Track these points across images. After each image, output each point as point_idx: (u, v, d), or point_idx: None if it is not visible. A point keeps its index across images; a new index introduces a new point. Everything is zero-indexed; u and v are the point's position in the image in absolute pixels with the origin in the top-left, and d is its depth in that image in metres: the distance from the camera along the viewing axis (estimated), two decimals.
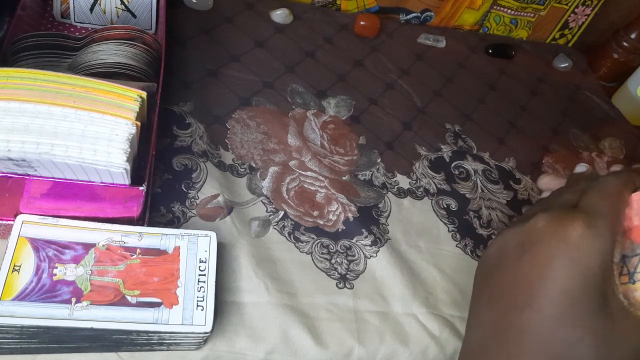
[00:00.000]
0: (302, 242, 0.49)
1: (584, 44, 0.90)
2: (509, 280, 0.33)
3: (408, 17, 0.79)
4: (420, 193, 0.58)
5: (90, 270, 0.36)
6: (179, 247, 0.39)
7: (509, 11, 0.82)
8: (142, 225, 0.42)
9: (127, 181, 0.37)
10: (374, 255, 0.50)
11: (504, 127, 0.70)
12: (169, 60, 0.50)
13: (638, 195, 0.34)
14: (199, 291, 0.37)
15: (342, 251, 0.49)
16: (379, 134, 0.62)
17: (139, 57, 0.46)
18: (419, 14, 0.79)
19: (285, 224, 0.49)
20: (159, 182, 0.47)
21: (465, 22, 0.82)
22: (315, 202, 0.52)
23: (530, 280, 0.31)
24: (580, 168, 0.45)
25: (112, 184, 0.37)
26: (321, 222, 0.51)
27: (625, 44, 0.84)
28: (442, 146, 0.64)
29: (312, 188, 0.53)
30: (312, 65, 0.66)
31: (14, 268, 0.34)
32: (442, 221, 0.56)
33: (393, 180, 0.58)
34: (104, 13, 0.54)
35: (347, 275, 0.48)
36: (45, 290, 0.34)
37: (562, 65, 0.84)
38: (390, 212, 0.54)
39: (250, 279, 0.44)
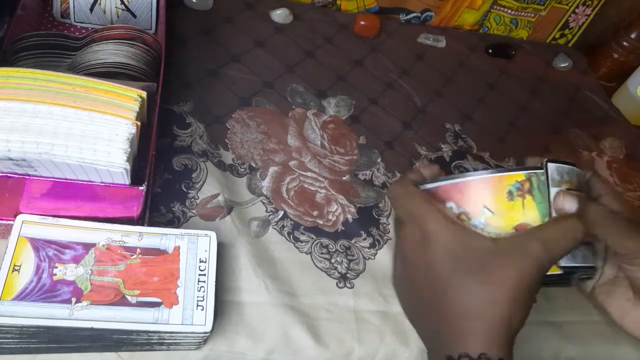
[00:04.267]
0: (301, 241, 0.49)
1: (584, 44, 0.90)
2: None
3: (408, 17, 0.79)
4: None
5: (90, 270, 0.36)
6: (179, 247, 0.39)
7: (509, 11, 0.82)
8: (142, 225, 0.42)
9: (127, 181, 0.37)
10: (372, 257, 0.50)
11: (504, 127, 0.70)
12: (169, 60, 0.50)
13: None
14: (199, 291, 0.37)
15: (341, 251, 0.50)
16: (379, 133, 0.62)
17: (139, 57, 0.46)
18: (419, 14, 0.79)
19: (285, 224, 0.49)
20: (159, 182, 0.47)
21: (466, 22, 0.82)
22: (315, 202, 0.52)
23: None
24: None
25: (112, 183, 0.37)
26: (321, 222, 0.51)
27: (625, 43, 0.84)
28: (442, 146, 0.64)
29: (312, 188, 0.53)
30: (312, 65, 0.66)
31: (14, 268, 0.34)
32: None
33: (393, 179, 0.58)
34: (104, 13, 0.54)
35: (347, 275, 0.48)
36: (45, 290, 0.34)
37: (562, 65, 0.84)
38: (390, 211, 0.54)
39: (250, 279, 0.44)
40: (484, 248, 0.36)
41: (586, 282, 0.45)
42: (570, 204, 0.39)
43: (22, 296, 0.33)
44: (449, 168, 0.61)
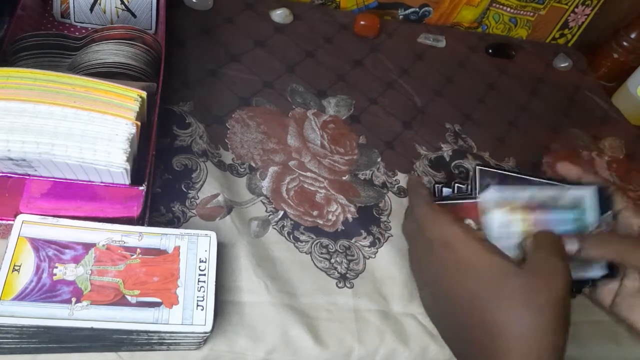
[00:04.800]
0: (301, 241, 0.49)
1: (584, 43, 0.90)
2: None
3: (407, 12, 0.79)
4: None
5: (90, 270, 0.36)
6: (179, 247, 0.39)
7: (508, 9, 0.82)
8: (142, 225, 0.42)
9: (127, 181, 0.37)
10: (373, 256, 0.50)
11: (504, 127, 0.70)
12: (169, 60, 0.50)
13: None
14: (199, 291, 0.37)
15: (341, 251, 0.50)
16: (379, 133, 0.62)
17: (139, 57, 0.46)
18: (417, 9, 0.79)
19: (285, 224, 0.50)
20: (159, 182, 0.47)
21: (464, 19, 0.82)
22: (315, 202, 0.52)
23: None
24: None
25: (112, 183, 0.37)
26: (320, 222, 0.51)
27: (625, 43, 0.84)
28: (442, 145, 0.64)
29: (312, 188, 0.53)
30: (312, 65, 0.66)
31: (14, 268, 0.34)
32: None
33: (393, 179, 0.58)
34: (104, 13, 0.54)
35: (347, 275, 0.48)
36: (45, 290, 0.34)
37: (562, 65, 0.84)
38: (391, 210, 0.54)
39: (250, 279, 0.44)
40: (515, 274, 0.37)
41: (598, 293, 0.46)
42: (571, 244, 0.41)
43: (22, 296, 0.33)
44: (449, 168, 0.61)
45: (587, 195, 0.43)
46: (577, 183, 0.45)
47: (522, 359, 0.34)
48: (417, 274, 0.46)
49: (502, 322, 0.36)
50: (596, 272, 0.45)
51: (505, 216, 0.42)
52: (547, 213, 0.43)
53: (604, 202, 0.44)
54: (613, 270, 0.45)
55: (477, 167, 0.44)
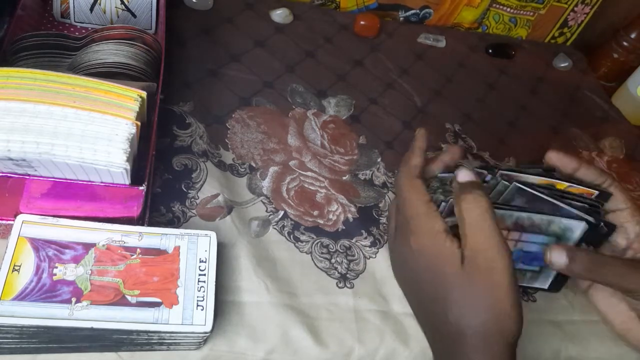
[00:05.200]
0: (301, 241, 0.49)
1: (584, 43, 0.90)
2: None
3: (407, 13, 0.79)
4: None
5: (90, 270, 0.36)
6: (179, 247, 0.39)
7: (508, 10, 0.82)
8: (142, 225, 0.42)
9: (127, 181, 0.37)
10: (374, 256, 0.50)
11: (504, 127, 0.70)
12: (169, 60, 0.50)
13: None
14: (199, 291, 0.37)
15: (341, 251, 0.50)
16: (379, 133, 0.62)
17: (139, 57, 0.46)
18: (417, 11, 0.79)
19: (285, 224, 0.49)
20: (159, 182, 0.47)
21: (465, 20, 0.82)
22: (315, 202, 0.52)
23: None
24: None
25: (112, 183, 0.37)
26: (321, 222, 0.51)
27: (625, 43, 0.84)
28: (442, 145, 0.64)
29: (312, 188, 0.53)
30: (312, 65, 0.66)
31: (14, 268, 0.34)
32: None
33: (393, 179, 0.58)
34: (104, 13, 0.54)
35: (347, 275, 0.48)
36: (45, 290, 0.34)
37: (562, 65, 0.84)
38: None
39: (250, 279, 0.44)
40: (457, 272, 0.37)
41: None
42: (559, 257, 0.40)
43: (22, 296, 0.33)
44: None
45: (577, 228, 0.43)
46: (576, 182, 0.45)
47: (477, 349, 0.35)
48: (391, 241, 0.46)
49: (454, 322, 0.36)
50: (541, 283, 0.46)
51: None
52: (523, 235, 0.44)
53: (591, 238, 0.44)
54: (557, 285, 0.46)
55: (515, 184, 0.43)
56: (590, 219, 0.42)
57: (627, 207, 0.44)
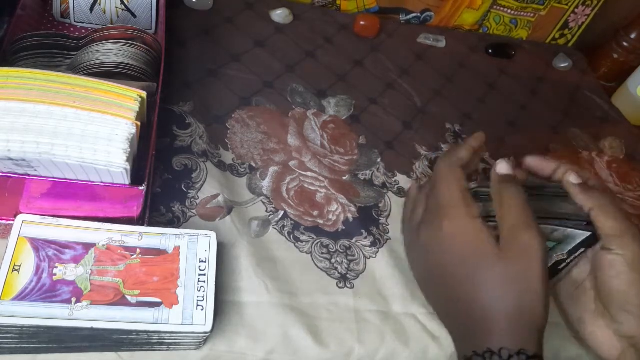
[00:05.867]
0: (301, 241, 0.49)
1: (584, 44, 0.90)
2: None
3: (408, 17, 0.79)
4: None
5: (90, 270, 0.36)
6: (179, 247, 0.39)
7: (509, 11, 0.82)
8: (142, 225, 0.42)
9: (127, 181, 0.37)
10: (374, 255, 0.50)
11: (504, 127, 0.70)
12: (169, 60, 0.50)
13: None
14: (199, 291, 0.37)
15: (342, 251, 0.49)
16: (379, 133, 0.62)
17: (139, 57, 0.46)
18: (418, 14, 0.79)
19: (285, 224, 0.49)
20: (159, 182, 0.47)
21: (465, 22, 0.82)
22: (315, 202, 0.52)
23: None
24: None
25: (112, 183, 0.37)
26: (321, 222, 0.51)
27: (625, 44, 0.84)
28: (442, 145, 0.64)
29: (312, 188, 0.53)
30: (312, 65, 0.66)
31: (14, 268, 0.34)
32: None
33: (393, 179, 0.58)
34: (104, 13, 0.54)
35: (348, 275, 0.48)
36: (45, 290, 0.34)
37: (562, 65, 0.84)
38: (390, 211, 0.54)
39: (250, 279, 0.44)
40: (494, 261, 0.38)
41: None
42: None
43: (22, 296, 0.33)
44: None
45: (579, 237, 0.43)
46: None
47: (505, 333, 0.36)
48: (414, 226, 0.46)
49: (484, 305, 0.37)
50: (577, 239, 0.44)
51: None
52: None
53: (586, 245, 0.44)
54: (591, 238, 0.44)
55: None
56: (594, 230, 0.42)
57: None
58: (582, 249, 0.43)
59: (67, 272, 0.35)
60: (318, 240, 0.49)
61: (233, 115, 0.56)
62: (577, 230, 0.43)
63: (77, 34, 0.53)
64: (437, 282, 0.42)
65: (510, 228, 0.38)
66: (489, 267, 0.38)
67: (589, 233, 0.42)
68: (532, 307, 0.36)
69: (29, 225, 0.36)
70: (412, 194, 0.50)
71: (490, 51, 0.80)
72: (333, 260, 0.49)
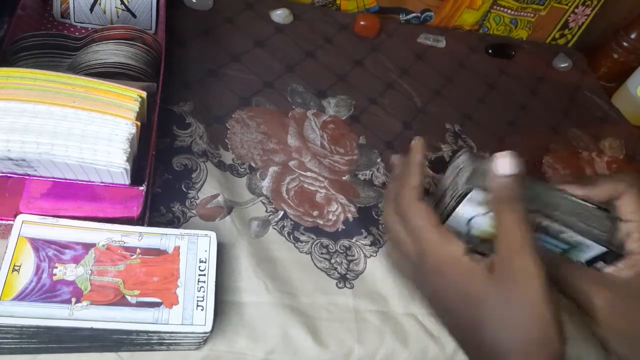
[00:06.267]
0: (301, 242, 0.49)
1: (584, 44, 0.90)
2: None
3: (408, 17, 0.79)
4: None
5: (90, 270, 0.36)
6: (179, 247, 0.39)
7: (509, 11, 0.82)
8: (142, 225, 0.42)
9: (127, 181, 0.37)
10: (374, 254, 0.50)
11: (504, 127, 0.70)
12: (169, 60, 0.50)
13: None
14: (199, 291, 0.37)
15: (341, 251, 0.49)
16: (379, 133, 0.62)
17: (139, 57, 0.46)
18: (418, 14, 0.79)
19: (285, 224, 0.49)
20: (159, 182, 0.47)
21: (465, 22, 0.82)
22: (315, 202, 0.52)
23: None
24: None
25: (112, 184, 0.37)
26: (321, 222, 0.51)
27: (625, 44, 0.84)
28: (442, 146, 0.64)
29: (312, 188, 0.53)
30: (312, 65, 0.66)
31: (14, 268, 0.34)
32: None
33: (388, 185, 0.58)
34: (104, 13, 0.54)
35: (347, 275, 0.48)
36: (45, 290, 0.34)
37: (562, 65, 0.84)
38: None
39: (250, 279, 0.44)
40: (485, 282, 0.35)
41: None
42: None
43: (22, 296, 0.33)
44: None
45: (596, 250, 0.41)
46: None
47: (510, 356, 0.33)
48: (419, 272, 0.42)
49: (493, 343, 0.34)
50: (594, 251, 0.42)
51: (479, 217, 0.41)
52: (542, 236, 0.42)
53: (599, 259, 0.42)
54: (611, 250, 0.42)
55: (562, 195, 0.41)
56: (612, 247, 0.41)
57: (638, 220, 0.40)
58: (601, 263, 0.42)
59: (67, 272, 0.35)
60: (318, 241, 0.49)
61: (233, 115, 0.56)
62: (595, 243, 0.41)
63: (77, 34, 0.53)
64: (450, 324, 0.39)
65: (505, 252, 0.34)
66: (486, 302, 0.34)
67: (606, 249, 0.40)
68: (542, 333, 0.33)
69: (29, 225, 0.36)
70: (390, 223, 0.42)
71: (490, 51, 0.80)
72: (333, 261, 0.49)
